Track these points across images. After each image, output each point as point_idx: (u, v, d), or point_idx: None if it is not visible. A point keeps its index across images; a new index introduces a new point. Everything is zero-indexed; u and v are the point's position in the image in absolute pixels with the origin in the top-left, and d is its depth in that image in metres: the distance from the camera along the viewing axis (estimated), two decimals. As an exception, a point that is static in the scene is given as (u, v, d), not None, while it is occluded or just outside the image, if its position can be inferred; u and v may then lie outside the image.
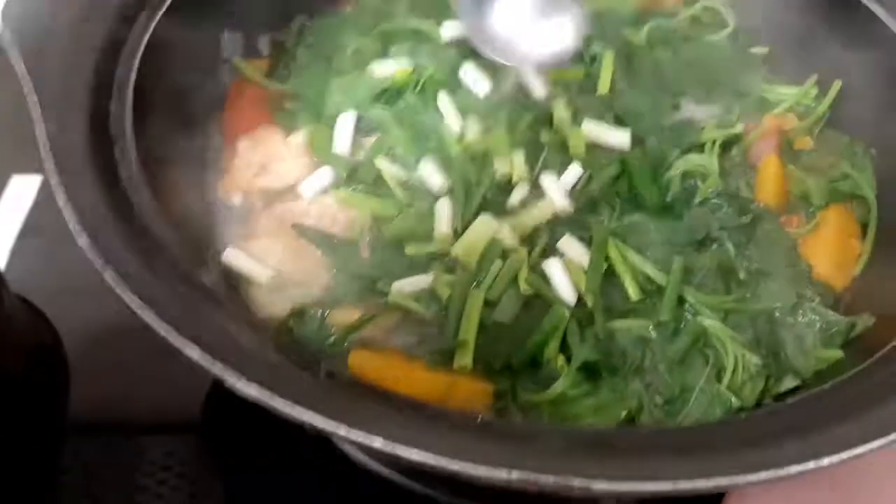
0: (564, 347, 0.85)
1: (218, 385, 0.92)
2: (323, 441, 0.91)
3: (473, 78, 1.03)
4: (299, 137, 1.01)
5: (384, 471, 0.89)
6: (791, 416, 0.68)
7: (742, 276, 0.92)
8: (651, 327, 0.87)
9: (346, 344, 0.84)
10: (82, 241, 0.68)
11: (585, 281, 0.87)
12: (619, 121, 1.03)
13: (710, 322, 0.87)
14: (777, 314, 0.90)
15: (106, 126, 0.82)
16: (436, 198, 0.93)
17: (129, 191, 0.78)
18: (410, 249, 0.89)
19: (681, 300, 0.89)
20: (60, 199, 0.71)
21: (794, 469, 0.58)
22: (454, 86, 1.03)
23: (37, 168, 1.20)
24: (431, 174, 0.95)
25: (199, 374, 0.95)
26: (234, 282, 0.88)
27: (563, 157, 0.99)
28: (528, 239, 0.92)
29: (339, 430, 0.58)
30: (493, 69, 1.03)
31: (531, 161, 0.97)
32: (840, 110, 1.10)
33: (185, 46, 0.98)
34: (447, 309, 0.85)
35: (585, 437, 0.67)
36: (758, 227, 0.97)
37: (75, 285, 1.04)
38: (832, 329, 0.89)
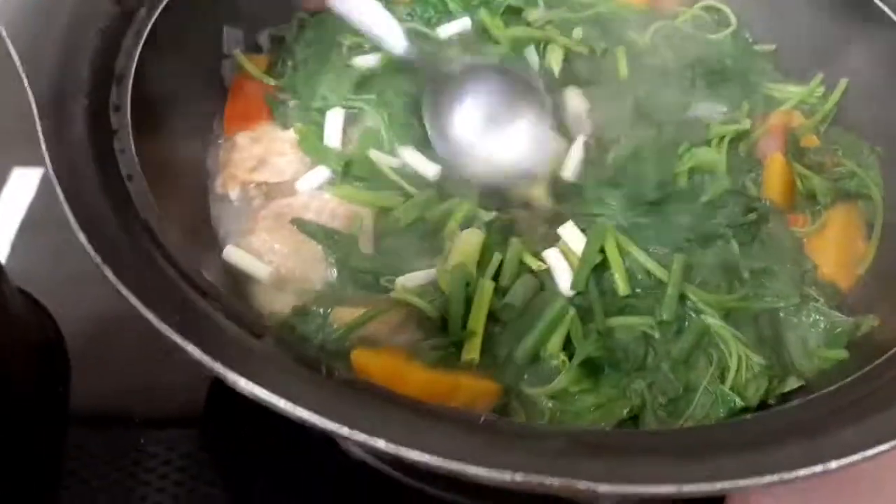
0: (567, 344, 0.84)
1: (220, 379, 0.94)
2: (325, 436, 0.91)
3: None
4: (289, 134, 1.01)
5: (385, 467, 0.89)
6: (797, 418, 0.67)
7: (745, 274, 0.91)
8: (653, 325, 0.86)
9: (348, 342, 0.83)
10: (82, 237, 0.68)
11: (575, 273, 0.88)
12: (640, 107, 1.04)
13: (713, 321, 0.87)
14: (781, 314, 0.90)
15: (106, 120, 0.82)
16: (432, 183, 0.94)
17: (130, 186, 0.78)
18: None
19: (682, 298, 0.88)
20: (60, 194, 0.71)
21: (802, 472, 0.57)
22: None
23: (38, 161, 1.20)
24: (418, 161, 0.96)
25: (201, 368, 0.97)
26: (235, 278, 0.88)
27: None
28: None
29: (342, 430, 0.57)
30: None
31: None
32: (847, 108, 1.09)
33: (185, 41, 0.98)
34: (451, 303, 0.84)
35: (589, 438, 0.67)
36: (763, 226, 0.96)
37: (77, 278, 1.05)
38: (837, 329, 0.88)
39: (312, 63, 1.08)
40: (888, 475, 0.85)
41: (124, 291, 0.64)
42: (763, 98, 1.11)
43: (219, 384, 0.96)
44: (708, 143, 1.02)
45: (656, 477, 0.57)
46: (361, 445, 0.58)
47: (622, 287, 0.87)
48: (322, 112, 1.01)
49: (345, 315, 0.85)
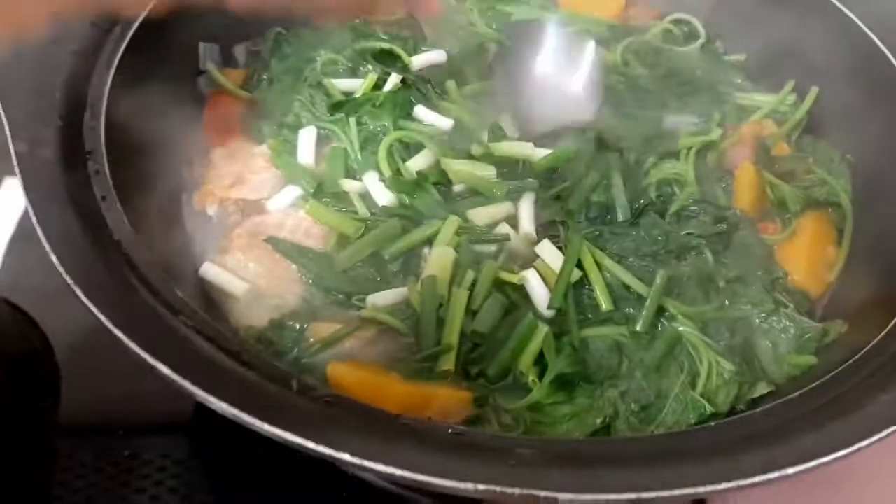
0: (541, 358, 0.85)
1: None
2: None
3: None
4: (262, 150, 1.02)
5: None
6: (759, 426, 0.68)
7: (721, 283, 0.92)
8: (626, 334, 0.87)
9: (324, 356, 0.84)
10: (54, 259, 0.68)
11: (554, 290, 0.88)
12: (601, 141, 1.03)
13: (685, 329, 0.88)
14: (755, 321, 0.91)
15: (80, 141, 0.83)
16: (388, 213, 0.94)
17: (103, 206, 0.78)
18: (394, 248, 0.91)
19: (661, 310, 0.89)
20: (32, 217, 0.71)
21: (758, 479, 0.58)
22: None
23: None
24: (377, 189, 0.96)
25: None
26: (211, 294, 0.89)
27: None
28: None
29: (308, 444, 0.58)
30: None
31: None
32: (818, 116, 1.10)
33: (160, 58, 0.98)
34: (422, 319, 0.85)
35: (555, 448, 0.67)
36: (734, 235, 0.97)
37: (66, 290, 1.06)
38: (806, 335, 0.89)
39: (286, 78, 1.08)
40: (870, 478, 0.88)
41: (95, 311, 0.65)
42: (735, 108, 1.13)
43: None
44: (676, 154, 1.03)
45: (616, 485, 0.57)
46: (329, 458, 0.58)
47: (605, 304, 0.88)
48: (294, 129, 1.02)
49: (321, 330, 0.86)
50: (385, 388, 0.80)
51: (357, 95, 1.03)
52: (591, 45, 1.11)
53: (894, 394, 0.68)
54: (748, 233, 0.98)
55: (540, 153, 0.99)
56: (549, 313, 0.87)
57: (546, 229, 0.95)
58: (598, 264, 0.90)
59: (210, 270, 0.89)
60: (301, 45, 1.12)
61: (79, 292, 0.66)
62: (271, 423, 0.59)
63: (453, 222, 0.92)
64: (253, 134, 1.04)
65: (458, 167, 0.96)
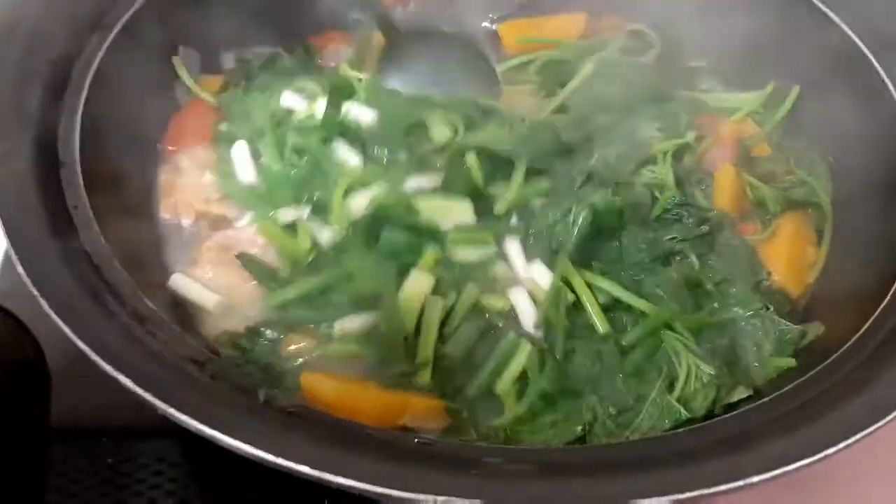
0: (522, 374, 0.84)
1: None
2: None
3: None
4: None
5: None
6: (728, 431, 0.67)
7: (709, 286, 0.91)
8: (613, 345, 0.86)
9: (298, 364, 0.84)
10: (21, 270, 0.68)
11: (544, 311, 0.87)
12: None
13: (668, 333, 0.87)
14: (741, 323, 0.90)
15: (53, 151, 0.83)
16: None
17: (75, 216, 0.78)
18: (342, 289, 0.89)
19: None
20: (1, 228, 0.71)
21: (723, 487, 0.58)
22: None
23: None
24: (322, 232, 0.93)
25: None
26: (181, 303, 0.88)
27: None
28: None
29: (268, 456, 0.58)
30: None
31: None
32: (798, 117, 1.09)
33: (137, 67, 0.98)
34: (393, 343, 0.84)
35: (523, 457, 0.67)
36: (717, 236, 0.96)
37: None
38: (785, 337, 0.88)
39: (260, 92, 1.07)
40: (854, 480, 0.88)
41: (58, 322, 0.65)
42: (708, 109, 1.12)
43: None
44: (654, 159, 1.02)
45: (578, 495, 0.57)
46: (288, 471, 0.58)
47: (601, 327, 0.86)
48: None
49: (296, 342, 0.86)
50: (359, 396, 0.80)
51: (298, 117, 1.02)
52: None
53: (867, 397, 0.67)
54: (731, 233, 0.98)
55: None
56: (537, 333, 0.86)
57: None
58: (588, 285, 0.88)
59: (179, 282, 0.88)
60: (287, 66, 1.12)
61: (43, 304, 0.66)
62: (232, 435, 0.59)
63: (432, 256, 0.89)
64: (218, 143, 1.03)
65: (430, 205, 0.92)
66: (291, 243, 0.92)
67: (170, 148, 1.03)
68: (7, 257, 1.11)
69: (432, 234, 0.90)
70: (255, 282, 0.90)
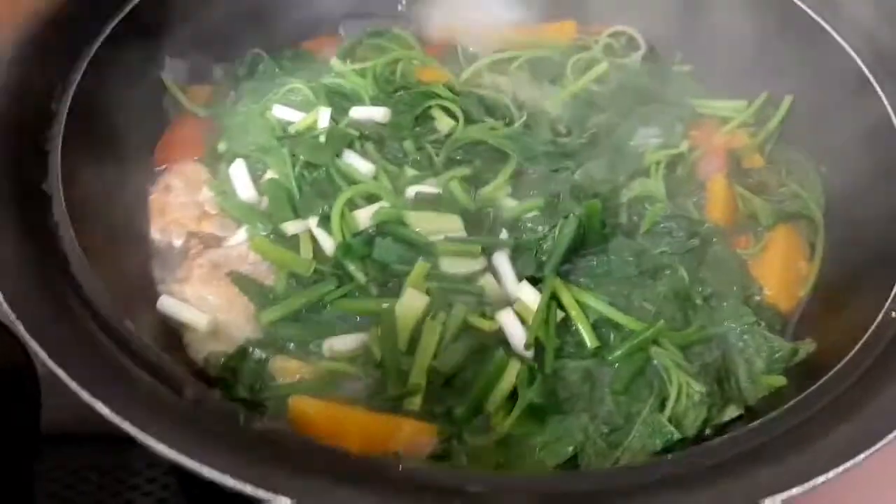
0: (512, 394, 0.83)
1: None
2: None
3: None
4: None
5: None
6: (716, 457, 0.66)
7: (698, 301, 0.90)
8: (600, 362, 0.86)
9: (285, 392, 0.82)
10: (-1, 296, 0.66)
11: (534, 331, 0.86)
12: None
13: (657, 350, 0.86)
14: (732, 338, 0.89)
15: (34, 169, 0.81)
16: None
17: (56, 237, 0.77)
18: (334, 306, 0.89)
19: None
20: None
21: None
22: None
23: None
24: (325, 239, 0.93)
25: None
26: (168, 324, 0.87)
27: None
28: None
29: (246, 488, 0.57)
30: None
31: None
32: (791, 127, 1.08)
33: (124, 77, 0.97)
34: (384, 364, 0.83)
35: (509, 484, 0.66)
36: (708, 250, 0.95)
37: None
38: (776, 354, 0.87)
39: (249, 101, 1.07)
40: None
41: (36, 348, 0.64)
42: (698, 117, 1.10)
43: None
44: (646, 171, 1.01)
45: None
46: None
47: (590, 342, 0.86)
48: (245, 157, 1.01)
49: (283, 365, 0.84)
50: (348, 419, 0.79)
51: (295, 129, 1.02)
52: None
53: (857, 423, 0.66)
54: (722, 247, 0.97)
55: (509, 203, 0.98)
56: (528, 353, 0.85)
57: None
58: (577, 301, 0.88)
59: (168, 303, 0.87)
60: (274, 69, 1.11)
61: (22, 332, 0.65)
62: (211, 466, 0.58)
63: (422, 268, 0.89)
64: (210, 159, 1.03)
65: (421, 219, 0.92)
66: (290, 257, 0.91)
67: (160, 167, 1.02)
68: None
69: (423, 247, 0.90)
70: (245, 301, 0.88)
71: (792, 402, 0.72)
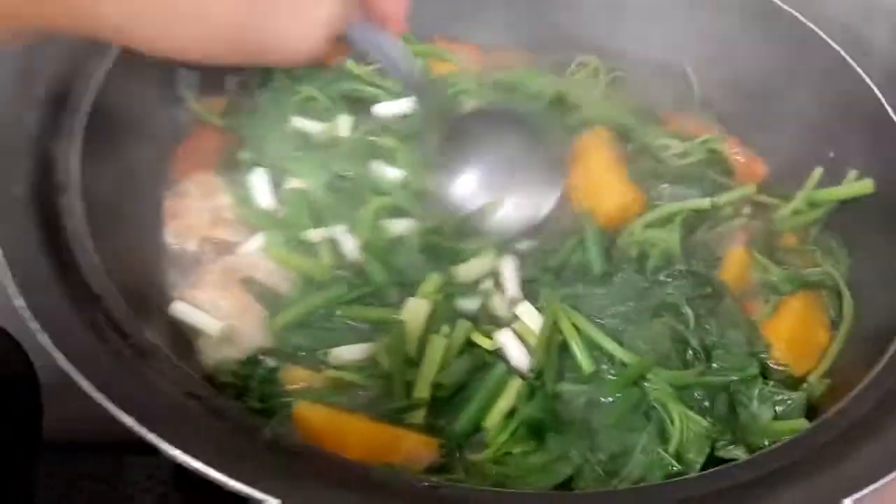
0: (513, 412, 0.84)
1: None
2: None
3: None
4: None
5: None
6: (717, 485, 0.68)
7: (696, 345, 0.89)
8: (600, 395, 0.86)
9: (293, 400, 0.83)
10: (18, 303, 0.67)
11: (536, 354, 0.87)
12: None
13: (651, 386, 0.86)
14: (733, 388, 0.88)
15: (52, 174, 0.82)
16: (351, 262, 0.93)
17: (72, 243, 0.77)
18: (344, 311, 0.89)
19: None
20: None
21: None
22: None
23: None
24: (348, 242, 0.94)
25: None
26: (180, 330, 0.87)
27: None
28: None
29: (269, 501, 0.57)
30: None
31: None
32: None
33: (140, 86, 0.97)
34: (390, 376, 0.84)
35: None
36: (721, 301, 0.94)
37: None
38: (786, 405, 0.87)
39: (267, 111, 1.07)
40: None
41: (59, 359, 0.64)
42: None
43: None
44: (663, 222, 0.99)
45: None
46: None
47: (586, 367, 0.86)
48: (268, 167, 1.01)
49: (293, 374, 0.86)
50: (352, 427, 0.80)
51: (318, 139, 1.03)
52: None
53: (864, 455, 0.68)
54: (732, 303, 0.94)
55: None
56: (529, 374, 0.87)
57: (525, 286, 0.94)
58: (575, 327, 0.89)
59: (181, 308, 0.88)
60: (288, 79, 1.11)
61: (43, 342, 0.65)
62: (237, 479, 0.58)
63: (433, 282, 0.90)
64: (226, 169, 1.03)
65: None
66: (307, 262, 0.92)
67: (176, 176, 1.03)
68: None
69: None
70: (258, 308, 0.89)
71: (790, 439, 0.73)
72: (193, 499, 0.94)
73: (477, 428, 0.83)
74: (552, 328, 0.88)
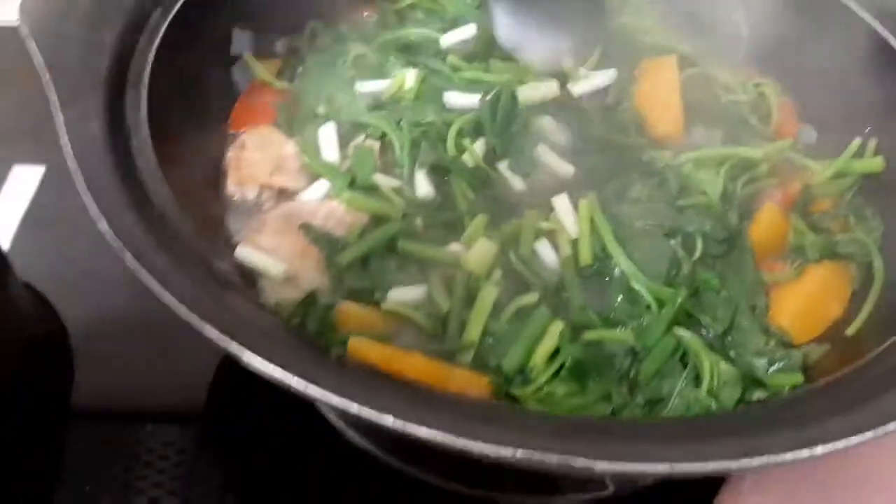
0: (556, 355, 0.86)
1: (220, 375, 0.94)
2: (324, 431, 0.93)
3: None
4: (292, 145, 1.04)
5: (387, 457, 0.91)
6: (783, 411, 0.70)
7: (685, 270, 0.92)
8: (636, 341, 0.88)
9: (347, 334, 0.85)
10: (102, 225, 0.70)
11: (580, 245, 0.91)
12: None
13: (684, 333, 0.88)
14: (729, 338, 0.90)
15: (122, 116, 0.85)
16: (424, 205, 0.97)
17: (145, 179, 0.80)
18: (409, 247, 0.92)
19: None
20: (80, 184, 0.73)
21: (789, 456, 0.59)
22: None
23: (38, 159, 1.24)
24: (420, 180, 0.99)
25: (202, 364, 0.98)
26: (245, 271, 0.90)
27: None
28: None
29: (352, 407, 0.60)
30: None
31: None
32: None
33: (198, 42, 1.01)
34: (447, 316, 0.87)
35: (586, 424, 0.69)
36: (736, 249, 0.95)
37: (79, 274, 1.08)
38: (788, 360, 0.88)
39: (320, 71, 1.12)
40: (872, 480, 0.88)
41: (143, 277, 0.66)
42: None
43: (220, 380, 0.99)
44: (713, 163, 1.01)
45: (650, 457, 0.59)
46: (367, 428, 0.59)
47: (584, 257, 0.91)
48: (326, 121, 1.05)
49: (348, 310, 0.88)
50: (405, 363, 0.81)
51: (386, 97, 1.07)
52: None
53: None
54: (749, 257, 0.95)
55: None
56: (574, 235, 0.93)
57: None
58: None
59: (246, 252, 0.91)
60: (336, 38, 1.16)
61: (127, 257, 0.67)
62: (317, 385, 0.61)
63: (481, 221, 0.94)
64: (284, 124, 1.07)
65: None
66: (379, 203, 0.96)
67: (235, 131, 1.07)
68: (23, 236, 1.15)
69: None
70: (315, 252, 0.92)
71: (851, 367, 0.75)
72: (213, 468, 0.96)
73: (522, 368, 0.85)
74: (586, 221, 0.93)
